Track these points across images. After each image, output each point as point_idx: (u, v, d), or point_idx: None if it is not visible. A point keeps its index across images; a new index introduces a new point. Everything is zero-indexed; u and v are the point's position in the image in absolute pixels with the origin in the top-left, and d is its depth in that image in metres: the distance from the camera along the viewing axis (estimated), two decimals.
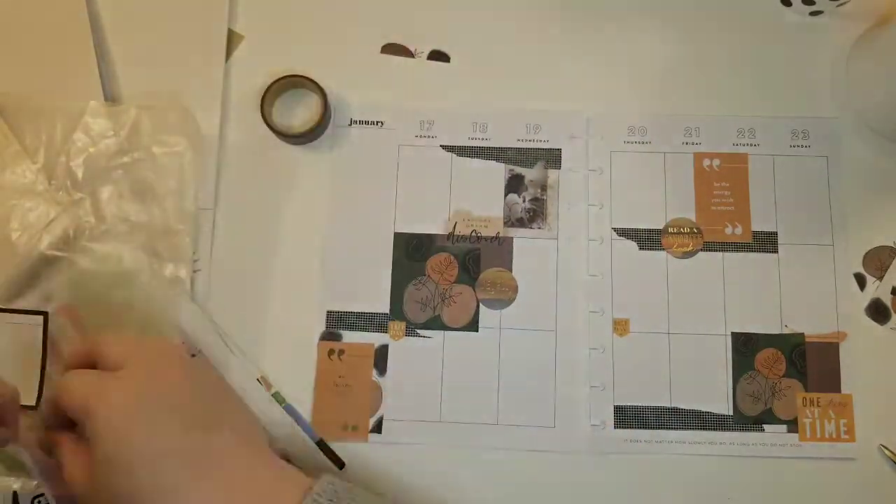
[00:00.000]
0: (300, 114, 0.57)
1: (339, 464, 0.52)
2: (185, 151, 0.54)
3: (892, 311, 0.55)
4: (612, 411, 0.53)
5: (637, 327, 0.54)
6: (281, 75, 0.55)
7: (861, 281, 0.55)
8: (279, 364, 0.54)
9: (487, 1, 0.59)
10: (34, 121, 0.53)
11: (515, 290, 0.55)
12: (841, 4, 0.57)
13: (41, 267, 0.51)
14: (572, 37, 0.58)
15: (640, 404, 0.54)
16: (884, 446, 0.53)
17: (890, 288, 0.55)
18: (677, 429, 0.53)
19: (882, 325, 0.55)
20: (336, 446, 0.52)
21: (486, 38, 0.58)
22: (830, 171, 0.56)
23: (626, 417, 0.53)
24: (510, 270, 0.55)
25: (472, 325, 0.55)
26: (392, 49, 0.58)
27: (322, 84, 0.55)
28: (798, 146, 0.57)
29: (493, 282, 0.55)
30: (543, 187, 0.56)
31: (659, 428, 0.53)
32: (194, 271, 0.54)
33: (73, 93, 0.54)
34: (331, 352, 0.54)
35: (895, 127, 0.56)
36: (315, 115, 0.56)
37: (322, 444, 0.52)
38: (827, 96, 0.57)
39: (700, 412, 0.53)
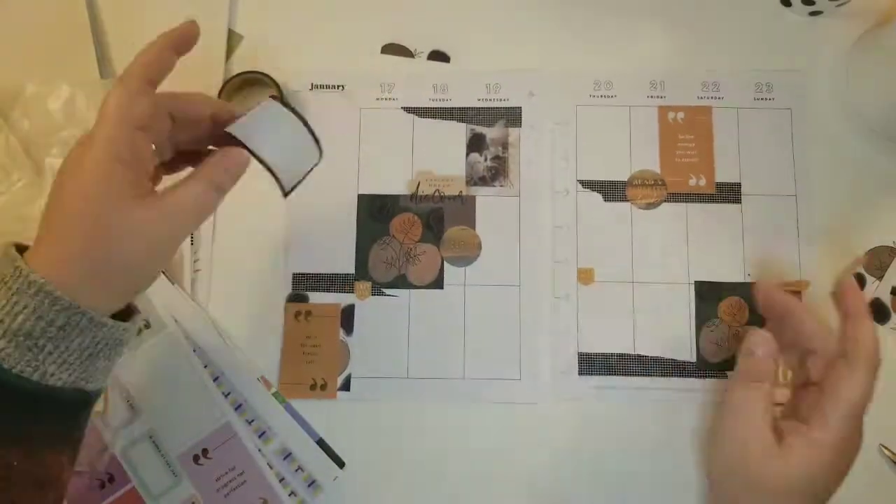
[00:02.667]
0: None
1: (340, 463, 0.53)
2: None
3: (892, 311, 0.55)
4: (577, 358, 0.54)
5: (602, 276, 0.55)
6: (236, 73, 0.55)
7: (861, 281, 0.55)
8: (247, 327, 0.55)
9: (487, 1, 0.59)
10: None
11: (479, 247, 0.56)
12: (841, 4, 0.57)
13: None
14: (574, 36, 0.59)
15: (604, 351, 0.55)
16: (884, 446, 0.53)
17: (890, 288, 0.55)
18: (641, 375, 0.54)
19: (882, 324, 0.54)
20: (305, 404, 0.54)
21: (486, 39, 0.59)
22: (795, 123, 0.57)
23: (591, 364, 0.54)
24: (474, 228, 0.56)
25: (438, 283, 0.56)
26: (392, 49, 0.59)
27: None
28: (762, 98, 0.57)
29: (456, 240, 0.56)
30: (504, 145, 0.57)
31: (623, 374, 0.54)
32: (195, 271, 0.55)
33: None
34: (297, 313, 0.55)
35: (895, 126, 0.56)
36: None
37: (322, 444, 0.53)
38: (825, 91, 0.57)
39: (664, 359, 0.54)
